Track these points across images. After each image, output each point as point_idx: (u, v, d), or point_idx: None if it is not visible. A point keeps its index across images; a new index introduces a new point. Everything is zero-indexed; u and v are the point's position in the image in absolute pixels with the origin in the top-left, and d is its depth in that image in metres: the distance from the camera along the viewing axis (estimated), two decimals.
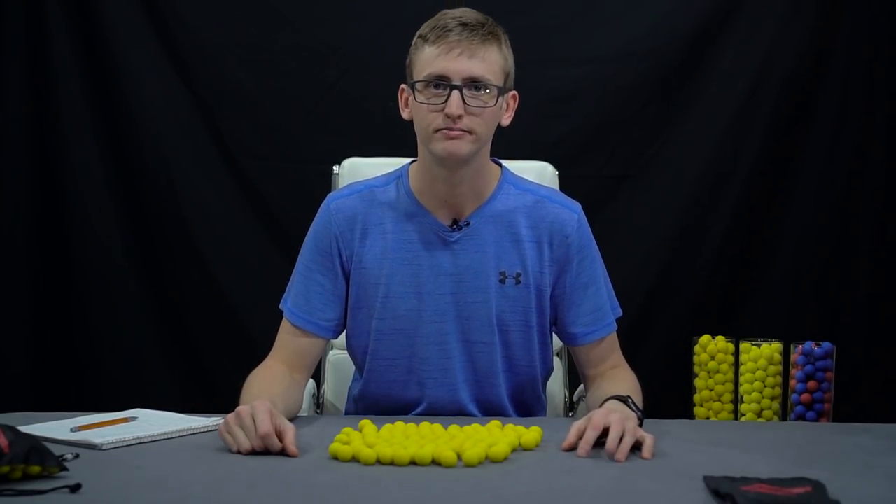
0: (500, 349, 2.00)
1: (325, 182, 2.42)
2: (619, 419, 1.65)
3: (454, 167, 1.91)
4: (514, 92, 1.97)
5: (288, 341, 2.01)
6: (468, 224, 1.98)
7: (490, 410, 2.02)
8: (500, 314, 1.98)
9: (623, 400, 1.78)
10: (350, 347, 2.06)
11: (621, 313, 2.07)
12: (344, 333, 2.07)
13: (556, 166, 2.42)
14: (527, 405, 2.07)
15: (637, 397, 1.92)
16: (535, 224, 1.99)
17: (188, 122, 3.24)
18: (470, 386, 2.01)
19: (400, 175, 2.03)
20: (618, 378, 2.00)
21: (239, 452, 1.61)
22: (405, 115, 1.96)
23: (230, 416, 1.65)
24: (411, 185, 2.00)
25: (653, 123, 3.23)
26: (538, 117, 3.20)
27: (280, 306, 2.05)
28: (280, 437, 1.61)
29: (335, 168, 2.43)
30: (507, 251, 1.98)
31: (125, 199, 3.24)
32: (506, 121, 1.96)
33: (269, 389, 1.84)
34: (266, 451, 1.60)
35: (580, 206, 2.04)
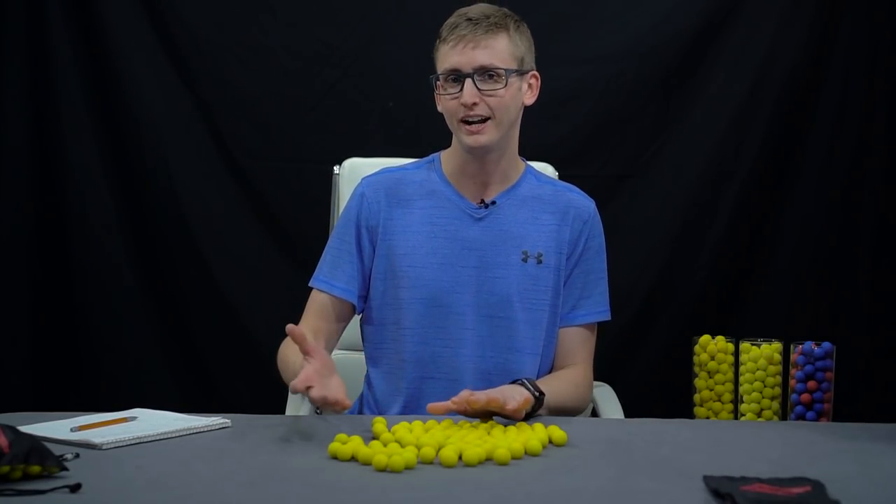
0: (523, 327, 2.06)
1: (325, 182, 2.42)
2: (502, 392, 1.77)
3: (481, 155, 2.04)
4: (535, 72, 2.08)
5: (314, 308, 2.09)
6: (495, 203, 2.08)
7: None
8: (522, 292, 2.06)
9: (521, 383, 1.85)
10: (368, 319, 2.11)
11: (609, 318, 2.14)
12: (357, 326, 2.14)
13: (556, 166, 2.42)
14: None
15: (562, 389, 1.99)
16: (556, 209, 2.11)
17: (188, 123, 3.23)
18: (489, 361, 2.06)
19: (432, 160, 2.15)
20: (560, 374, 2.07)
21: (328, 406, 1.70)
22: (439, 107, 2.08)
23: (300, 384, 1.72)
24: (443, 168, 2.12)
25: (653, 123, 3.23)
26: (538, 117, 3.18)
27: (310, 284, 2.11)
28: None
29: (335, 168, 2.44)
30: (530, 232, 2.08)
31: (125, 199, 3.24)
32: (529, 100, 2.09)
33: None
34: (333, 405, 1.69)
35: (594, 202, 2.17)
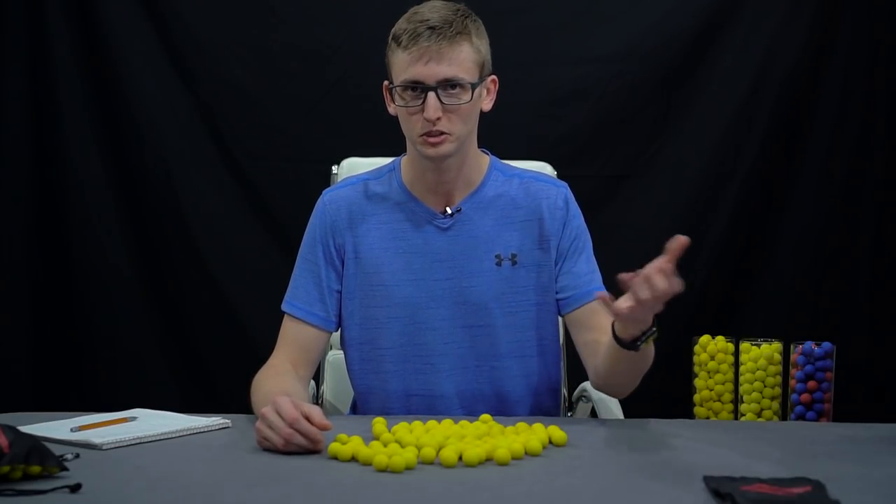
0: (505, 332, 2.01)
1: (325, 182, 2.42)
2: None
3: (441, 163, 1.97)
4: (493, 77, 2.00)
5: (290, 336, 2.02)
6: (460, 210, 2.02)
7: (496, 397, 2.02)
8: (501, 296, 2.00)
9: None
10: (345, 339, 2.06)
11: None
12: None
13: (556, 166, 2.42)
14: (538, 394, 2.05)
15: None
16: (527, 203, 2.04)
17: (188, 122, 3.24)
18: (472, 371, 2.01)
19: (392, 168, 2.08)
20: None
21: (280, 452, 1.61)
22: (391, 110, 2.02)
23: (258, 422, 1.66)
24: (403, 177, 2.05)
25: (653, 123, 3.23)
26: (538, 117, 3.20)
27: (282, 307, 2.05)
28: (308, 419, 1.61)
29: (334, 168, 2.44)
30: (501, 234, 2.02)
31: (125, 199, 3.24)
32: (487, 106, 2.00)
33: (279, 386, 1.85)
34: (302, 449, 1.60)
35: (567, 185, 2.08)
